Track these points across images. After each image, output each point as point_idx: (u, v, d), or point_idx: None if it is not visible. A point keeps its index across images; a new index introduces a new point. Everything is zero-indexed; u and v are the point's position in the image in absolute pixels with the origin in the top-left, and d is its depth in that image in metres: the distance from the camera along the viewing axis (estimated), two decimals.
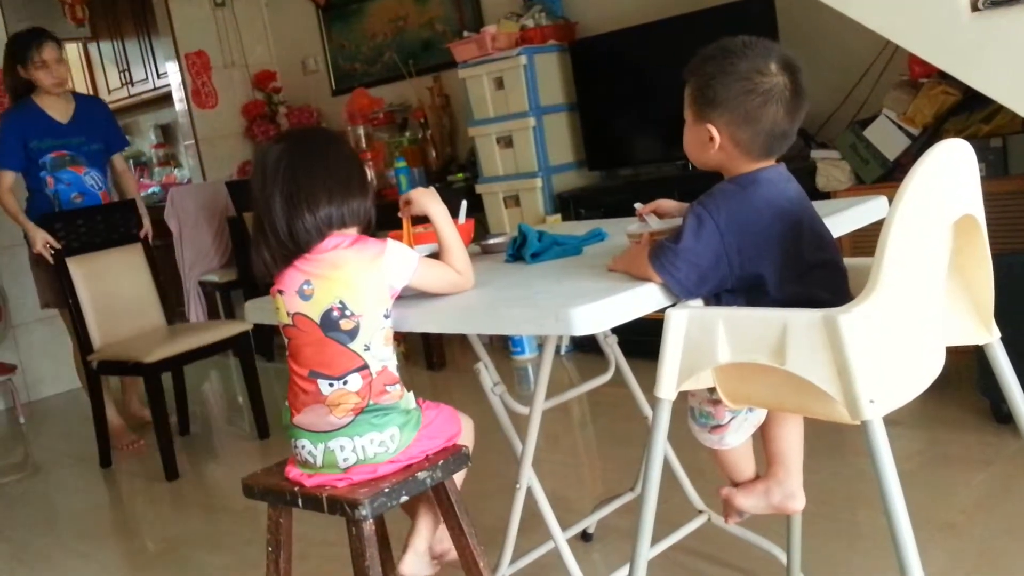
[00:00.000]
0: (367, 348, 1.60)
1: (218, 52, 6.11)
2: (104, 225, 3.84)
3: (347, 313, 1.58)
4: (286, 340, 1.66)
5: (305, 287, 1.60)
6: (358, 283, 1.59)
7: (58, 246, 3.64)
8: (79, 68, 8.05)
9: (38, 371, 5.27)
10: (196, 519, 3.09)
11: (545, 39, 4.26)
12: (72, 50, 8.06)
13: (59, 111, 3.87)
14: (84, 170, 3.90)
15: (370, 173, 1.77)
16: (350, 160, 1.67)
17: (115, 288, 3.80)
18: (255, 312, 1.91)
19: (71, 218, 3.75)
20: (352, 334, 1.59)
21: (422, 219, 1.80)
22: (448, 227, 1.71)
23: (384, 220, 2.00)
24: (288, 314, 1.63)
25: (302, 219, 1.58)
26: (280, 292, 1.63)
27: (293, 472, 1.69)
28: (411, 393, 1.68)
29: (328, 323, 1.59)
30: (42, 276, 3.92)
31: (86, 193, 3.89)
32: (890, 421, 1.27)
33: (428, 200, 1.74)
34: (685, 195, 1.71)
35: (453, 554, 1.84)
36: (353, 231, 1.64)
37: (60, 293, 3.73)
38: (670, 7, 3.88)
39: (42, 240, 3.65)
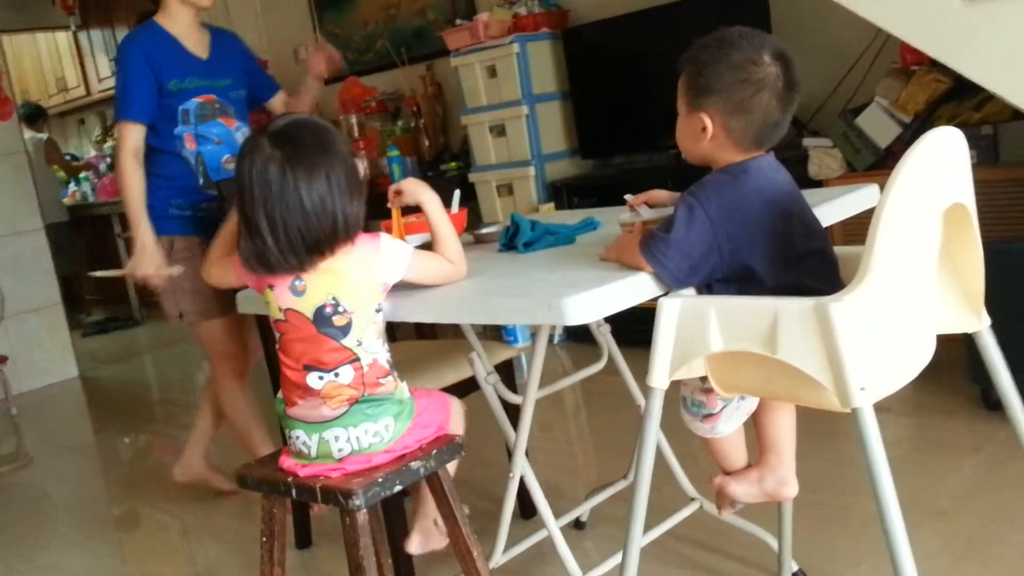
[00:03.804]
0: (359, 343, 1.60)
1: None
2: None
3: (340, 310, 1.57)
4: (277, 334, 1.65)
5: (297, 283, 1.58)
6: (351, 279, 1.58)
7: (172, 272, 2.61)
8: (70, 58, 8.01)
9: (30, 362, 5.26)
10: (195, 508, 3.09)
11: (538, 27, 4.25)
12: (62, 39, 8.03)
13: (196, 43, 2.71)
14: (235, 124, 2.73)
15: (361, 166, 1.70)
16: (348, 162, 1.58)
17: None
18: (247, 303, 1.90)
19: None
20: (345, 330, 1.58)
21: (414, 209, 1.80)
22: (441, 216, 1.71)
23: (376, 210, 2.00)
24: (280, 309, 1.61)
25: (309, 240, 1.52)
26: (271, 287, 1.61)
27: (287, 462, 1.69)
28: (404, 383, 1.68)
29: (321, 319, 1.58)
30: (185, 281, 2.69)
31: None
32: (880, 408, 1.28)
33: (419, 190, 1.73)
34: (678, 184, 1.71)
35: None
36: None
37: (216, 300, 2.62)
38: None
39: (151, 265, 2.58)
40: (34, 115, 7.10)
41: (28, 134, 6.89)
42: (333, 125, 1.66)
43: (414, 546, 1.88)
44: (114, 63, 2.69)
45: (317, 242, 1.53)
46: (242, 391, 2.86)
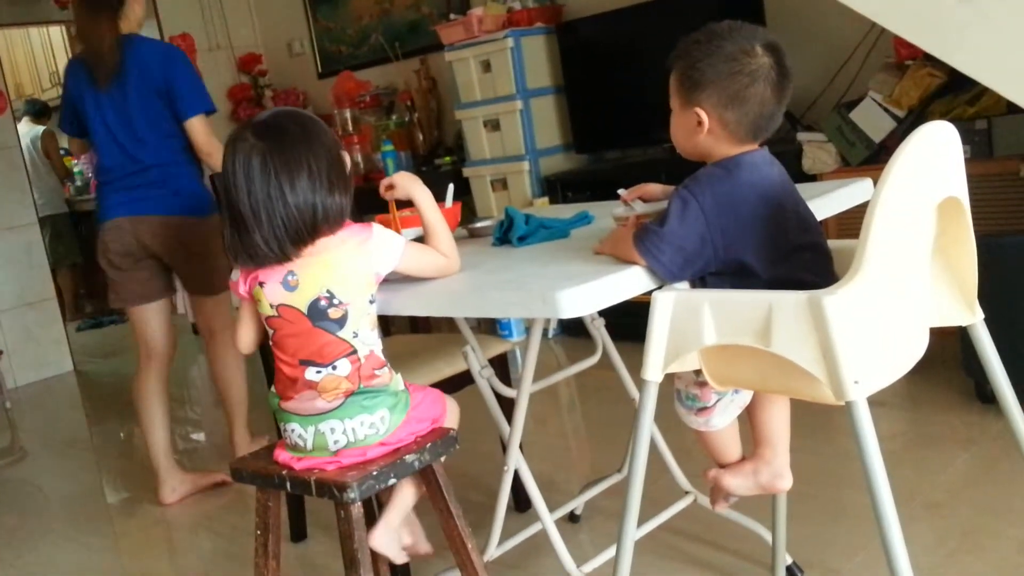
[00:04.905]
0: (355, 335, 1.59)
1: (203, 35, 6.05)
2: None
3: (335, 302, 1.57)
4: (270, 330, 1.64)
5: (289, 277, 1.57)
6: (344, 270, 1.57)
7: None
8: (63, 52, 7.97)
9: (23, 356, 5.25)
10: (190, 501, 3.09)
11: (532, 21, 4.25)
12: (56, 34, 8.00)
13: None
14: None
15: (347, 157, 1.70)
16: (332, 154, 1.58)
17: None
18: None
19: None
20: (340, 322, 1.58)
21: (406, 203, 1.80)
22: (432, 211, 1.70)
23: (371, 204, 1.99)
24: (272, 306, 1.60)
25: (291, 230, 1.53)
26: (261, 284, 1.60)
27: (283, 456, 1.69)
28: (399, 375, 1.68)
29: (316, 313, 1.57)
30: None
31: None
32: (874, 401, 1.28)
33: (411, 184, 1.73)
34: (672, 178, 1.71)
35: (418, 548, 1.83)
36: None
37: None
38: None
39: None
40: (42, 111, 7.17)
41: (28, 127, 6.90)
42: (327, 120, 1.67)
43: (378, 540, 1.73)
44: (181, 62, 3.19)
45: (298, 231, 1.54)
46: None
